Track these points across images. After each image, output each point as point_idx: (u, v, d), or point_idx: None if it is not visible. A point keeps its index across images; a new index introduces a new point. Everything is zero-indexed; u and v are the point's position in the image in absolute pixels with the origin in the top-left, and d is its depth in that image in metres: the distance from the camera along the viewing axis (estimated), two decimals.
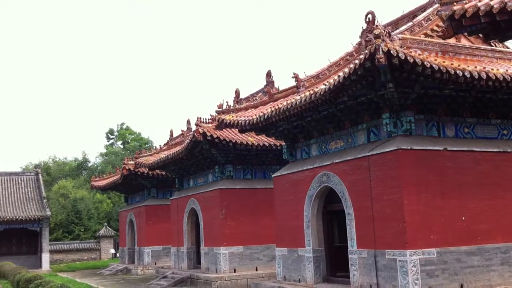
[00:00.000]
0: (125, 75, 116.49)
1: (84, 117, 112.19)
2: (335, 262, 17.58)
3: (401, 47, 12.96)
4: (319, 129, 17.95)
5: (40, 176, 46.79)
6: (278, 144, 22.81)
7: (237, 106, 21.07)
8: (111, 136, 79.92)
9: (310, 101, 15.37)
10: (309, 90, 16.27)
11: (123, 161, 36.18)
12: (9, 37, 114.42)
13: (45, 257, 41.47)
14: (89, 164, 73.75)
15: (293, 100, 16.36)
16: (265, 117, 17.78)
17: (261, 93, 23.14)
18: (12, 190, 44.45)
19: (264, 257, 24.28)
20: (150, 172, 32.86)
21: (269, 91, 20.37)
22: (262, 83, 25.81)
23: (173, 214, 29.55)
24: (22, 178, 46.48)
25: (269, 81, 21.98)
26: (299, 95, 16.52)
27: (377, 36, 12.49)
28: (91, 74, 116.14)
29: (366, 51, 12.81)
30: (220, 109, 20.90)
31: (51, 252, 44.48)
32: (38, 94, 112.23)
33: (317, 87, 15.89)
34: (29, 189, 45.08)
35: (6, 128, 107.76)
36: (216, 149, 23.76)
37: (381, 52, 12.29)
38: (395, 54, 12.34)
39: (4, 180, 45.37)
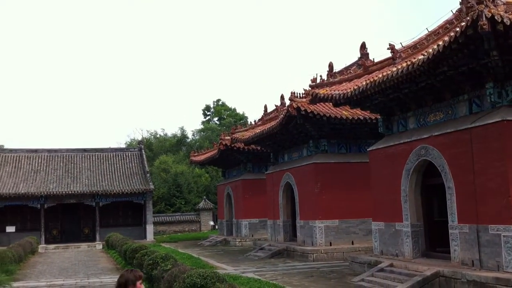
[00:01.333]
0: (221, 52, 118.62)
1: (182, 95, 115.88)
2: (434, 237, 17.15)
3: (505, 12, 12.22)
4: (417, 101, 17.39)
5: (143, 152, 49.18)
6: (373, 117, 22.38)
7: (331, 80, 20.86)
8: (208, 113, 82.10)
9: (408, 73, 14.93)
10: (406, 61, 15.77)
11: (220, 137, 37.14)
12: (119, 23, 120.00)
13: (149, 229, 43.79)
14: (188, 140, 76.40)
15: (389, 72, 15.95)
16: (360, 90, 17.49)
17: (355, 66, 22.72)
18: (118, 165, 47.09)
19: (360, 231, 24.15)
20: (245, 147, 33.50)
21: (363, 64, 19.96)
22: (355, 56, 25.35)
23: (269, 188, 30.03)
24: (126, 154, 49.06)
25: (364, 54, 21.50)
26: (395, 67, 16.07)
27: (479, 2, 11.85)
28: (189, 53, 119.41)
29: (468, 18, 12.19)
30: (314, 84, 20.80)
31: (155, 223, 46.78)
32: (143, 74, 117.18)
33: (414, 58, 15.38)
34: (133, 164, 47.55)
35: (112, 105, 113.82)
36: (310, 123, 23.75)
37: (484, 18, 11.66)
38: (499, 20, 11.67)
39: (110, 156, 48.16)
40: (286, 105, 25.70)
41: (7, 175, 43.50)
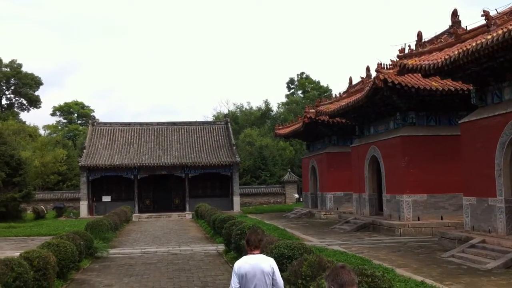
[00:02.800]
0: (306, 25, 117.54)
1: (266, 68, 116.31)
2: None
3: None
4: None
5: (229, 125, 50.16)
6: (465, 88, 21.48)
7: (420, 49, 20.15)
8: (292, 86, 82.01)
9: (504, 40, 14.18)
10: (502, 28, 14.95)
11: (304, 110, 37.08)
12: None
13: (236, 200, 44.88)
14: (272, 113, 76.86)
15: (483, 40, 15.21)
16: (452, 60, 16.81)
17: (445, 35, 21.75)
18: (205, 138, 48.40)
19: (450, 206, 23.47)
20: (330, 120, 33.26)
21: (455, 32, 19.10)
22: (446, 25, 24.27)
23: (354, 161, 29.77)
24: (213, 127, 50.26)
25: (455, 21, 20.56)
26: (490, 34, 15.29)
27: None
28: (275, 26, 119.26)
29: None
30: (402, 54, 20.20)
31: (241, 195, 47.81)
32: (229, 48, 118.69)
33: (511, 25, 14.55)
34: (220, 137, 48.68)
35: (199, 79, 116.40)
36: (398, 95, 23.16)
37: None
38: None
39: (198, 129, 49.55)
40: (372, 77, 25.18)
41: (103, 147, 45.96)
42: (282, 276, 6.10)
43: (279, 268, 5.93)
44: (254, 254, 6.00)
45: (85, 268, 16.20)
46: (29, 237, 26.58)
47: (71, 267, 14.22)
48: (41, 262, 11.38)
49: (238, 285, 5.85)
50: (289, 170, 55.99)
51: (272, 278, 5.84)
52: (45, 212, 42.31)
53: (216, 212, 27.88)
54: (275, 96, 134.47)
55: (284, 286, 6.20)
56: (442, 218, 23.30)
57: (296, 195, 52.70)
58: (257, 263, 5.86)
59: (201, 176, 44.86)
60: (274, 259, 9.86)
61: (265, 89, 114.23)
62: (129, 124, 49.73)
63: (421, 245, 19.55)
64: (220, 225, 21.18)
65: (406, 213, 23.39)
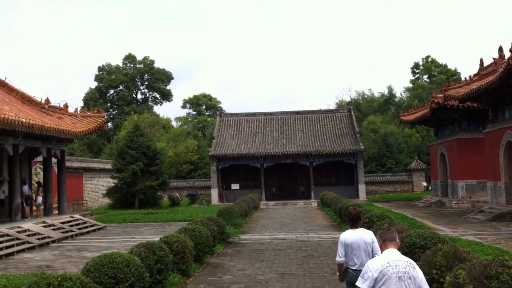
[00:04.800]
0: (429, 6, 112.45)
1: (388, 53, 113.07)
2: None
3: None
4: None
5: (352, 113, 49.68)
6: None
7: None
8: (417, 70, 79.02)
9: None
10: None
11: (431, 95, 35.68)
12: None
13: (361, 188, 44.45)
14: (396, 100, 74.73)
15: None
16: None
17: None
18: (328, 126, 48.40)
19: None
20: (460, 105, 31.74)
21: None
22: None
23: (487, 147, 28.20)
24: (336, 115, 50.09)
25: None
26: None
27: None
28: (398, 9, 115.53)
29: None
30: None
31: (366, 183, 47.19)
32: (351, 34, 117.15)
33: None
34: (343, 125, 48.41)
35: (321, 67, 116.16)
36: None
37: None
38: None
39: (321, 117, 49.67)
40: (506, 57, 23.63)
41: (230, 137, 47.73)
42: None
43: (410, 257, 6.12)
44: (356, 228, 7.21)
45: (218, 252, 17.08)
46: (166, 223, 28.46)
47: (206, 251, 15.08)
48: (180, 246, 12.21)
49: (344, 253, 7.08)
50: (416, 157, 54.26)
51: (372, 247, 6.97)
52: (180, 199, 44.93)
53: (341, 200, 27.92)
54: (399, 82, 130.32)
55: None
56: None
57: (424, 183, 50.98)
58: (360, 235, 7.08)
59: (325, 164, 44.96)
60: (406, 248, 9.89)
61: (388, 75, 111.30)
62: (254, 114, 51.09)
63: None
64: (346, 213, 21.23)
65: None
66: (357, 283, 5.20)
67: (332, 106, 71.21)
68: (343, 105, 63.73)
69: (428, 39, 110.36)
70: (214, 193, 45.10)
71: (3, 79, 28.40)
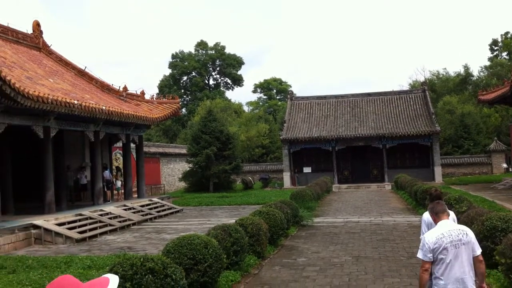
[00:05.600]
0: None
1: (464, 30, 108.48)
2: None
3: None
4: None
5: (427, 93, 48.21)
6: None
7: None
8: (495, 47, 75.39)
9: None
10: None
11: (511, 72, 34.01)
12: None
13: (437, 170, 43.23)
14: (473, 79, 71.75)
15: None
16: None
17: None
18: (402, 108, 47.27)
19: None
20: None
21: None
22: None
23: None
24: (410, 96, 48.81)
25: None
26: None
27: None
28: None
29: None
30: None
31: (442, 165, 45.77)
32: (423, 13, 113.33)
33: None
34: (417, 106, 47.12)
35: (393, 47, 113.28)
36: None
37: None
38: None
39: (394, 99, 48.57)
40: None
41: (301, 120, 47.67)
42: (495, 249, 6.65)
43: (490, 241, 6.21)
44: None
45: (292, 235, 17.25)
46: (240, 206, 28.98)
47: (280, 234, 15.29)
48: (254, 228, 12.45)
49: (427, 230, 6.86)
50: (495, 138, 52.00)
51: None
52: (253, 183, 45.51)
53: (417, 183, 27.34)
54: (476, 60, 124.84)
55: (499, 260, 6.38)
56: None
57: (504, 165, 48.85)
58: None
59: (398, 146, 44.04)
60: (486, 232, 9.66)
61: (464, 53, 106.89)
62: (324, 97, 50.69)
63: None
64: (422, 196, 20.81)
65: None
66: (418, 255, 5.69)
67: (405, 87, 69.35)
68: (416, 86, 61.92)
69: (508, 13, 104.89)
70: (286, 177, 45.33)
71: (83, 69, 29.72)
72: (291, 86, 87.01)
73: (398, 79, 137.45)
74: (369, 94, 49.80)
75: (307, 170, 45.86)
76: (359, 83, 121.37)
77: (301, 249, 14.52)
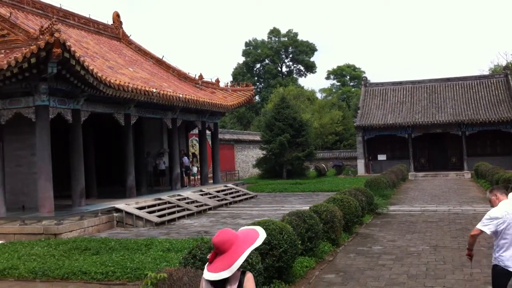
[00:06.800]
0: None
1: None
2: None
3: None
4: None
5: (509, 78, 45.90)
6: None
7: None
8: None
9: None
10: None
11: None
12: None
13: None
14: None
15: None
16: None
17: None
18: (482, 93, 45.32)
19: None
20: None
21: None
22: None
23: None
24: (491, 81, 46.68)
25: None
26: None
27: None
28: None
29: None
30: None
31: None
32: None
33: None
34: (499, 91, 45.01)
35: (474, 31, 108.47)
36: None
37: None
38: None
39: (473, 84, 46.62)
40: None
41: (376, 107, 46.79)
42: None
43: None
44: None
45: (367, 223, 17.07)
46: (313, 193, 28.96)
47: (355, 221, 15.17)
48: (329, 215, 12.43)
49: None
50: None
51: None
52: (326, 170, 45.31)
53: (499, 171, 26.27)
54: None
55: None
56: None
57: None
58: None
59: (479, 133, 42.31)
60: None
61: None
62: (400, 83, 49.43)
63: None
64: (505, 185, 19.98)
65: None
66: (478, 226, 6.14)
67: (485, 72, 66.32)
68: (498, 70, 59.04)
69: None
70: (360, 164, 44.76)
71: (161, 58, 30.57)
72: (365, 72, 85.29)
73: (478, 64, 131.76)
74: (448, 79, 48.07)
75: (381, 157, 45.04)
76: (437, 68, 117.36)
77: (376, 237, 14.36)
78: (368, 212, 18.09)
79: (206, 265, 3.58)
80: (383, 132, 44.00)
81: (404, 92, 47.88)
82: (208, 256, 3.55)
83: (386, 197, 22.52)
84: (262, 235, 3.59)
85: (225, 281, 3.47)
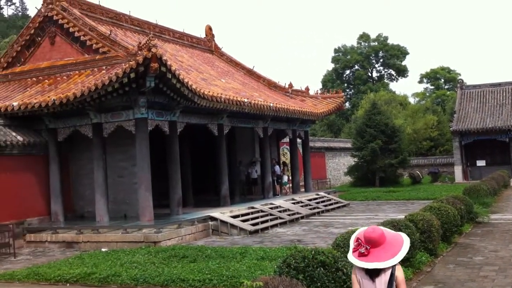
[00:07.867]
0: None
1: None
2: None
3: None
4: None
5: None
6: None
7: None
8: None
9: None
10: None
11: None
12: None
13: None
14: None
15: None
16: None
17: None
18: None
19: None
20: None
21: None
22: None
23: None
24: None
25: None
26: None
27: None
28: None
29: None
30: None
31: None
32: None
33: None
34: None
35: None
36: None
37: None
38: None
39: None
40: None
41: (473, 110, 44.80)
42: None
43: None
44: None
45: (467, 232, 16.38)
46: (408, 201, 28.17)
47: (453, 231, 14.60)
48: (425, 224, 12.05)
49: None
50: None
51: None
52: (421, 177, 43.90)
53: None
54: None
55: None
56: None
57: None
58: None
59: None
60: None
61: None
62: (499, 84, 46.99)
63: None
64: None
65: None
66: None
67: None
68: None
69: None
70: (458, 170, 42.94)
71: (251, 68, 31.14)
72: (460, 74, 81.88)
73: None
74: None
75: (480, 163, 42.95)
76: None
77: (477, 247, 13.76)
78: (467, 221, 17.34)
79: (357, 257, 3.93)
80: (481, 136, 42.00)
81: (504, 94, 45.46)
82: (360, 250, 3.93)
83: (487, 205, 21.50)
84: (406, 246, 4.05)
85: (380, 270, 3.89)
